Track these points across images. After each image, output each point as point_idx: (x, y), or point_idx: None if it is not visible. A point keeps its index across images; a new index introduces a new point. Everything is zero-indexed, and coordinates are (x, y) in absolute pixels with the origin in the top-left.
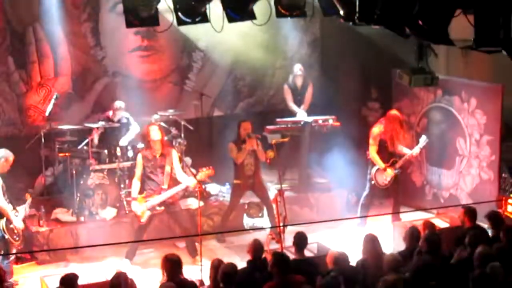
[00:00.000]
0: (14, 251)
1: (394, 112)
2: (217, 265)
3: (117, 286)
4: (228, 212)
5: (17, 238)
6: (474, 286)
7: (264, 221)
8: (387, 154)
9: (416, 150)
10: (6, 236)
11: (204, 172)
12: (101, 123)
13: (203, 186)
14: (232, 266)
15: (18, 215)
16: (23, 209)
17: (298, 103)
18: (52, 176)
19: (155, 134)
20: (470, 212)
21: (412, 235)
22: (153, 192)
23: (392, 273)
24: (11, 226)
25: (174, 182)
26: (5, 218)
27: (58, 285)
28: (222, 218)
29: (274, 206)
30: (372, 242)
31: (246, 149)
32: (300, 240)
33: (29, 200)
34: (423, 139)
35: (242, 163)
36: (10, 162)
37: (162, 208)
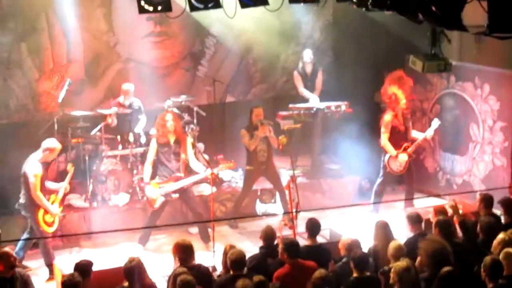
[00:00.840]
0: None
1: (397, 72)
2: (229, 251)
3: (131, 271)
4: (241, 198)
5: (52, 227)
6: (487, 273)
7: (276, 207)
8: (400, 139)
9: (429, 132)
10: (41, 229)
11: (225, 165)
12: (114, 109)
13: (216, 173)
14: (239, 253)
15: (55, 201)
16: (62, 188)
17: (309, 89)
18: (65, 162)
19: (170, 121)
20: (486, 199)
21: (413, 219)
22: (169, 179)
23: (397, 260)
24: (47, 215)
25: (187, 169)
26: (42, 210)
27: (71, 270)
28: (235, 204)
29: (286, 192)
30: (383, 229)
31: (258, 136)
32: (313, 226)
33: (70, 172)
34: (435, 122)
35: (255, 150)
36: (54, 152)
37: (177, 195)
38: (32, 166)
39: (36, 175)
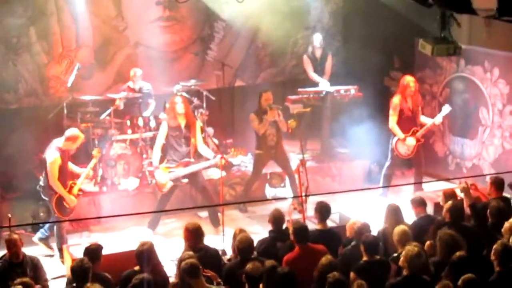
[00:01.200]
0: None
1: (407, 77)
2: (237, 238)
3: (143, 255)
4: (250, 182)
5: (66, 212)
6: (497, 258)
7: (286, 191)
8: (408, 124)
9: (438, 118)
10: (55, 214)
11: (236, 152)
12: (123, 94)
13: (225, 156)
14: (247, 240)
15: (73, 187)
16: (84, 174)
17: (319, 73)
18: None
19: (180, 105)
20: (497, 182)
21: (416, 202)
22: (178, 164)
23: (403, 246)
24: (64, 203)
25: (197, 153)
26: (59, 197)
27: (82, 255)
28: (245, 188)
29: (296, 176)
30: (394, 212)
31: (267, 120)
32: (323, 210)
33: (96, 157)
34: (445, 108)
35: (264, 134)
36: (77, 141)
37: (187, 180)
38: (51, 154)
39: (53, 163)
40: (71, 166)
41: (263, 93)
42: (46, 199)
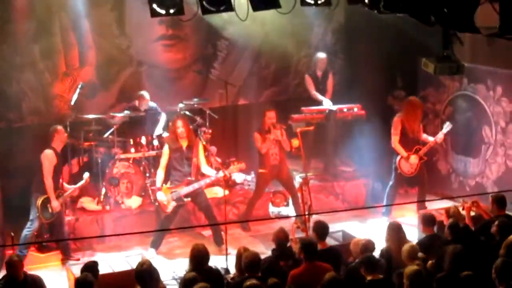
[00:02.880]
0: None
1: (412, 98)
2: (242, 254)
3: (143, 275)
4: (253, 201)
5: (48, 217)
6: (497, 275)
7: (289, 210)
8: (411, 142)
9: (439, 136)
10: (37, 214)
11: (236, 166)
12: (126, 112)
13: (228, 175)
14: (254, 255)
15: (59, 196)
16: (71, 189)
17: (321, 92)
18: (77, 165)
19: (182, 129)
20: (499, 200)
21: (427, 220)
22: (180, 183)
23: (410, 263)
24: (48, 205)
25: (199, 173)
26: (44, 199)
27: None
28: (247, 207)
29: (299, 195)
30: (396, 230)
31: (270, 139)
32: (320, 229)
33: (85, 180)
34: (446, 125)
35: (267, 153)
36: (61, 134)
37: (189, 199)
38: (46, 151)
39: (47, 157)
40: (63, 181)
41: (266, 112)
42: (32, 201)
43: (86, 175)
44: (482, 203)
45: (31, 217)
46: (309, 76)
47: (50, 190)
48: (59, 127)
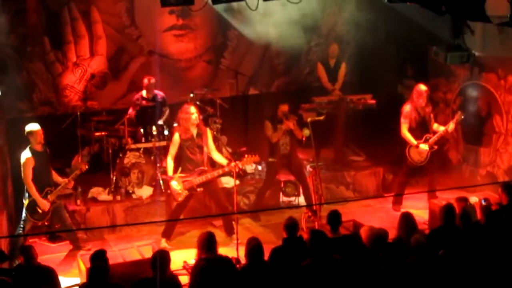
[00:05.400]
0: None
1: (419, 86)
2: (252, 243)
3: (157, 263)
4: (263, 190)
5: (38, 218)
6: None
7: (300, 200)
8: (421, 131)
9: (450, 125)
10: (25, 216)
11: (249, 159)
12: (137, 103)
13: (241, 167)
14: (258, 243)
15: (48, 193)
16: (63, 183)
17: (332, 81)
18: (88, 155)
19: (195, 113)
20: (508, 188)
21: (448, 212)
22: (193, 173)
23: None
24: (36, 207)
25: (210, 161)
26: (30, 198)
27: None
28: (257, 196)
29: (310, 184)
30: (407, 220)
31: (281, 129)
32: (334, 219)
33: (79, 170)
34: (458, 115)
35: (277, 142)
36: (36, 135)
37: (201, 189)
38: (23, 154)
39: (24, 163)
40: (54, 174)
41: (280, 105)
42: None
43: (82, 164)
44: (493, 193)
45: (22, 217)
46: (322, 64)
47: (33, 192)
48: (35, 129)
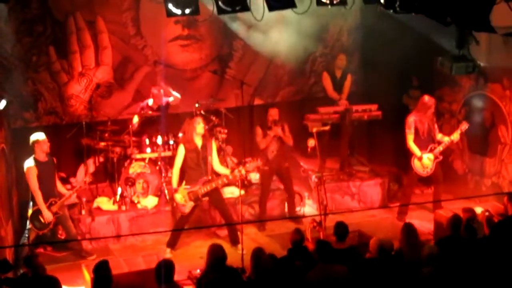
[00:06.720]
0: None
1: (426, 98)
2: (258, 254)
3: (161, 273)
4: (262, 200)
5: (41, 227)
6: None
7: (305, 210)
8: (426, 141)
9: (455, 135)
10: (29, 226)
11: (252, 164)
12: (142, 112)
13: (245, 172)
14: (272, 258)
15: (52, 204)
16: (68, 195)
17: (338, 91)
18: (93, 165)
19: (201, 123)
20: None
21: (455, 223)
22: (197, 183)
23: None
24: (39, 216)
25: (214, 171)
26: (35, 208)
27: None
28: (259, 207)
29: (306, 194)
30: (408, 232)
31: (270, 136)
32: (341, 230)
33: (84, 182)
34: (463, 125)
35: (266, 148)
36: (42, 144)
37: (206, 198)
38: (26, 162)
39: (28, 170)
40: (59, 184)
41: (269, 109)
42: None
43: (87, 178)
44: (498, 203)
45: (27, 226)
46: (328, 74)
47: (39, 201)
48: (40, 138)
